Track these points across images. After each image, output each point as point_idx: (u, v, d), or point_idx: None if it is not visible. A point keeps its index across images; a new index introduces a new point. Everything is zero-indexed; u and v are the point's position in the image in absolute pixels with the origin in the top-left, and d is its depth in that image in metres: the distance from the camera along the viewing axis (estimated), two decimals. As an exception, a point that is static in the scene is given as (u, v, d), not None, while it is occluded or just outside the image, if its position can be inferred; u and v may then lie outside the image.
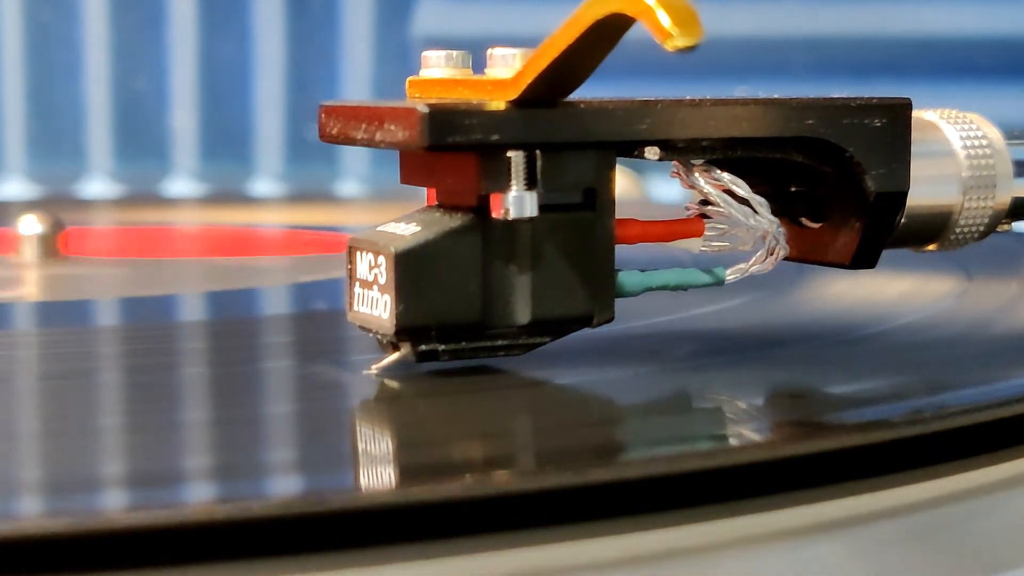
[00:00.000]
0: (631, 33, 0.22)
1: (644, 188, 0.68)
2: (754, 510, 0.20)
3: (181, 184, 0.79)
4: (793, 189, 0.27)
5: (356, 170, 0.80)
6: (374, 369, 0.25)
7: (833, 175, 0.26)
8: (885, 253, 0.27)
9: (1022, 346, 0.29)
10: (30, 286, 0.40)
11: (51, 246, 0.43)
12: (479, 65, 0.25)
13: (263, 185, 0.79)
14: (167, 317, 0.35)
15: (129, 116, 0.78)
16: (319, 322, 0.33)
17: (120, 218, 0.63)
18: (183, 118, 0.78)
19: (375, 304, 0.24)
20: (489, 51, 0.24)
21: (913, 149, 0.26)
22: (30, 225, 0.43)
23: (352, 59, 0.79)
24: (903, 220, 0.27)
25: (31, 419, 0.23)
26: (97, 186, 0.78)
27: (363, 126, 0.24)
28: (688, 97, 0.25)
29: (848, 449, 0.21)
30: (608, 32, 0.22)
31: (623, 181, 0.64)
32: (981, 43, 0.69)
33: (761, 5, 0.71)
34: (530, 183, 0.23)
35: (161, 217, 0.62)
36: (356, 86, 0.79)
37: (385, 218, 0.25)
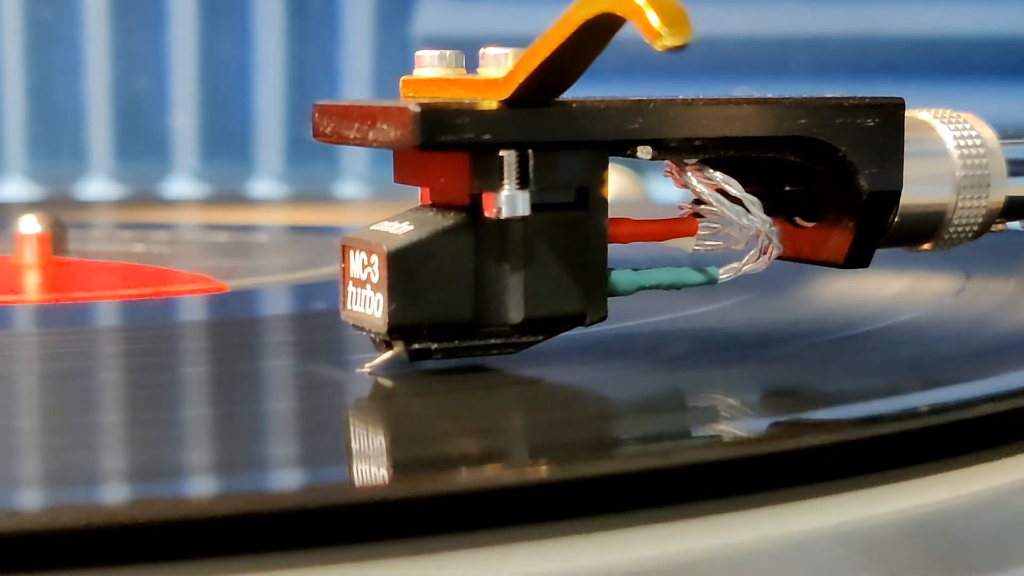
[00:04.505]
0: (630, 33, 0.22)
1: (643, 188, 0.68)
2: (751, 507, 0.20)
3: (181, 184, 0.79)
4: (786, 188, 0.27)
5: (356, 170, 0.80)
6: (367, 368, 0.25)
7: (826, 174, 0.26)
8: (883, 252, 0.27)
9: (1020, 344, 0.29)
10: (30, 286, 0.40)
11: (51, 246, 0.43)
12: (476, 64, 0.25)
13: (263, 185, 0.79)
14: (167, 318, 0.36)
15: (129, 116, 0.78)
16: (314, 321, 0.33)
17: (120, 218, 0.63)
18: (183, 118, 0.78)
19: (368, 303, 0.24)
20: (481, 51, 0.24)
21: (907, 148, 0.26)
22: (30, 225, 0.43)
23: (352, 59, 0.79)
24: (896, 219, 0.27)
25: (32, 417, 0.23)
26: (97, 186, 0.78)
27: (356, 125, 0.25)
28: (683, 97, 0.25)
29: (846, 447, 0.21)
30: (599, 32, 0.22)
31: (623, 181, 0.64)
32: (979, 43, 0.69)
33: (760, 5, 0.71)
34: (522, 182, 0.23)
35: (161, 217, 0.62)
36: (356, 86, 0.79)
37: (385, 218, 0.25)
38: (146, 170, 0.79)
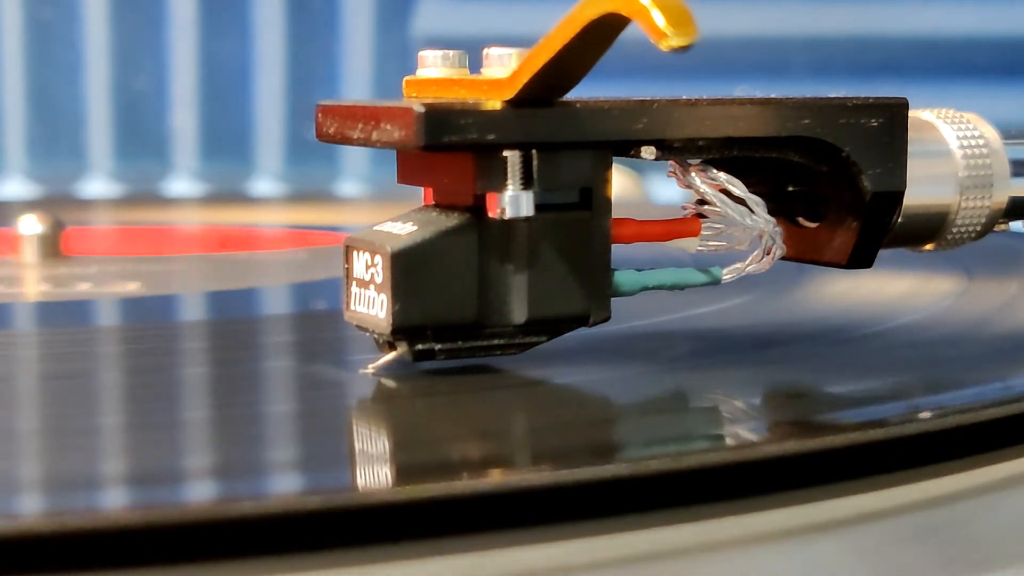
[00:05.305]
0: (631, 33, 0.22)
1: (644, 188, 0.68)
2: (753, 509, 0.20)
3: (181, 184, 0.79)
4: (790, 189, 0.27)
5: (356, 170, 0.80)
6: (371, 368, 0.25)
7: (830, 175, 0.26)
8: (885, 252, 0.27)
9: (1022, 345, 0.29)
10: (30, 286, 0.40)
11: (51, 246, 0.43)
12: (479, 65, 0.25)
13: (263, 185, 0.79)
14: (167, 317, 0.35)
15: (129, 116, 0.78)
16: (317, 322, 0.33)
17: (120, 218, 0.63)
18: (183, 118, 0.78)
19: (372, 303, 0.24)
20: (485, 51, 0.24)
21: (910, 149, 0.26)
22: (30, 225, 0.43)
23: (352, 59, 0.79)
24: (900, 220, 0.27)
25: (31, 418, 0.23)
26: (97, 186, 0.78)
27: (360, 126, 0.25)
28: (685, 97, 0.25)
29: (847, 448, 0.21)
30: (603, 32, 0.22)
31: (623, 181, 0.64)
32: (981, 43, 0.69)
33: (761, 5, 0.71)
34: (526, 183, 0.23)
35: (161, 217, 0.62)
36: (356, 86, 0.79)
37: (385, 218, 0.25)
38: (146, 170, 0.79)
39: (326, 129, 0.26)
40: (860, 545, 0.20)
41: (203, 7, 0.78)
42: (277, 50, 0.79)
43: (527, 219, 0.24)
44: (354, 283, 0.25)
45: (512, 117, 0.23)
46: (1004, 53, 0.69)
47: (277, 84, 0.79)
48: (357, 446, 0.21)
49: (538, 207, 0.24)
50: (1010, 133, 0.28)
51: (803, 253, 0.27)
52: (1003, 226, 0.29)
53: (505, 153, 0.23)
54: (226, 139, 0.79)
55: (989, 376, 0.26)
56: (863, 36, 0.70)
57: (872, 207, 0.26)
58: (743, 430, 0.22)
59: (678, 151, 0.25)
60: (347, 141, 0.25)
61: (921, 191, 0.27)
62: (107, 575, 0.17)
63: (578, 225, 0.25)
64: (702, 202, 0.26)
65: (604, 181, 0.25)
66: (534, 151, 0.24)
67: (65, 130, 0.78)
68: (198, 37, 0.78)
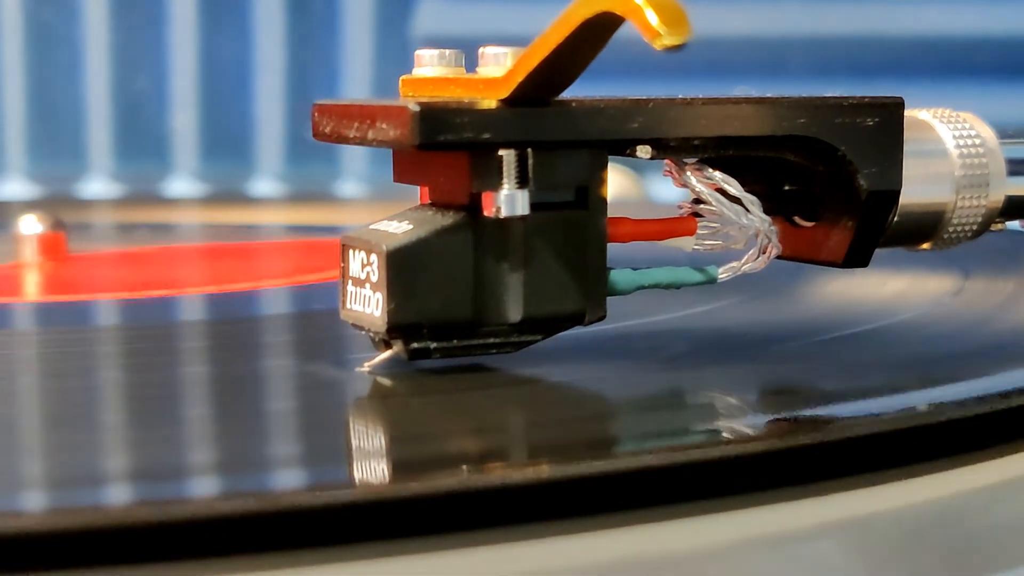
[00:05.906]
0: (628, 32, 0.22)
1: (643, 187, 0.68)
2: (750, 506, 0.20)
3: (181, 184, 0.79)
4: (786, 188, 0.27)
5: (356, 170, 0.80)
6: (366, 367, 0.25)
7: (826, 174, 0.26)
8: (882, 252, 0.27)
9: (1019, 343, 0.29)
10: (30, 286, 0.40)
11: (51, 246, 0.43)
12: (476, 64, 0.25)
13: (263, 185, 0.79)
14: (167, 317, 0.36)
15: (129, 116, 0.78)
16: (314, 321, 0.33)
17: (120, 218, 0.63)
18: (183, 118, 0.78)
19: (367, 302, 0.24)
20: (481, 50, 0.24)
21: (906, 148, 0.26)
22: (30, 225, 0.43)
23: (352, 59, 0.79)
24: (896, 219, 0.27)
25: (32, 417, 0.23)
26: (97, 186, 0.78)
27: (356, 125, 0.25)
28: (682, 96, 0.25)
29: (845, 447, 0.21)
30: (598, 31, 0.22)
31: (622, 180, 0.64)
32: (978, 43, 0.69)
33: (760, 5, 0.71)
34: (522, 181, 0.23)
35: (161, 217, 0.62)
36: (356, 86, 0.79)
37: (385, 218, 0.25)
38: (146, 170, 0.79)
39: (322, 128, 0.26)
40: (859, 544, 0.20)
41: (203, 7, 0.78)
42: (277, 50, 0.79)
43: (523, 218, 0.24)
44: (350, 282, 0.25)
45: (507, 116, 0.23)
46: (1002, 53, 0.69)
47: (277, 84, 0.79)
48: (354, 443, 0.21)
49: (534, 206, 0.24)
50: (1006, 132, 0.28)
51: (799, 252, 0.27)
52: (999, 225, 0.29)
53: (500, 152, 0.23)
54: (226, 139, 0.79)
55: (986, 374, 0.26)
56: (862, 36, 0.70)
57: (868, 206, 0.26)
58: (739, 428, 0.22)
59: (674, 150, 0.25)
60: (343, 140, 0.25)
61: (917, 190, 0.27)
62: (106, 572, 0.17)
63: (574, 224, 0.25)
64: (698, 201, 0.26)
65: (600, 180, 0.25)
66: (529, 150, 0.24)
67: (65, 130, 0.78)
68: (198, 37, 0.78)
